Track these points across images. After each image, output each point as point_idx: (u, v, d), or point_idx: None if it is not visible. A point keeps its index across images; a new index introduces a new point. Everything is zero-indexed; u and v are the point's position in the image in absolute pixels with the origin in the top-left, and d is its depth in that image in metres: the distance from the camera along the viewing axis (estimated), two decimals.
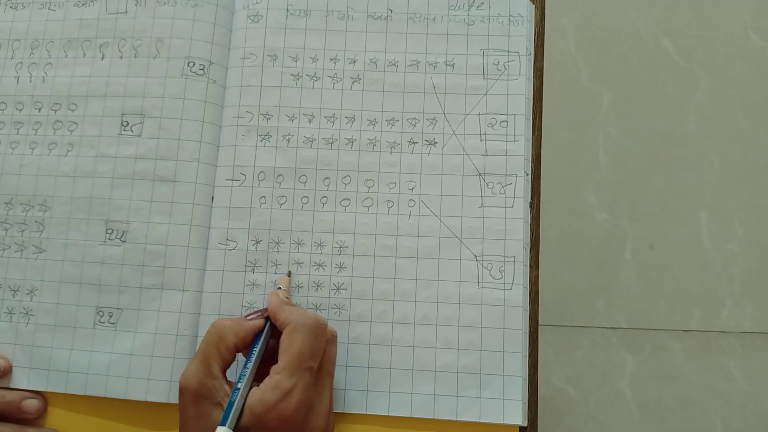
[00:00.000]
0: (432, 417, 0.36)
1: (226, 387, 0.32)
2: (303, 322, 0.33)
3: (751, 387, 0.90)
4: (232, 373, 0.35)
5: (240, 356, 0.36)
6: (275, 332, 0.35)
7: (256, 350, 0.34)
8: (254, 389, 0.32)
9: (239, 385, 0.32)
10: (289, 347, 0.32)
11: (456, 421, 0.36)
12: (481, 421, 0.36)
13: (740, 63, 0.99)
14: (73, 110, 0.40)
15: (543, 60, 0.41)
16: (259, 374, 0.33)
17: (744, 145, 0.97)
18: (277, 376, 0.31)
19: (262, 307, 0.37)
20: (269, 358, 0.34)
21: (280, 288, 0.37)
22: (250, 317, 0.35)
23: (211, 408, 0.31)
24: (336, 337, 0.35)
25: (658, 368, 0.91)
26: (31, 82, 0.41)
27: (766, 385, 0.90)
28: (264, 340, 0.34)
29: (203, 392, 0.32)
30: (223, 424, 0.30)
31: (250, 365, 0.33)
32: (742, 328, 0.92)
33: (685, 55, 1.00)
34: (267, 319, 0.35)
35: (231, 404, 0.31)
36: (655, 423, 0.89)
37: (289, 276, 0.38)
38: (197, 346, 0.37)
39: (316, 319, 0.33)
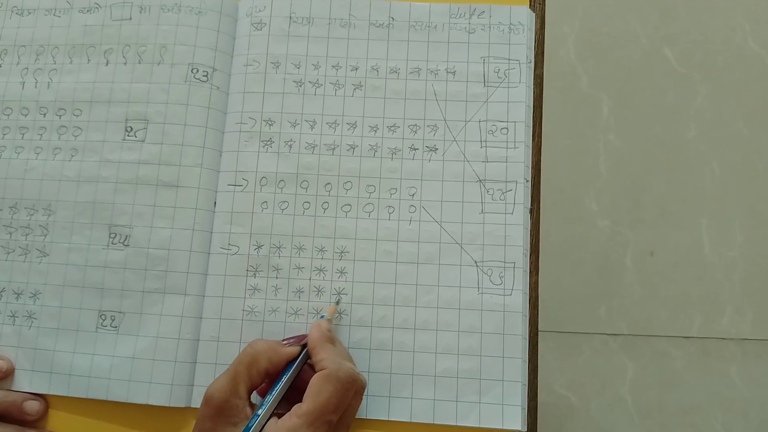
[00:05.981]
0: (432, 422, 0.36)
1: (248, 410, 0.32)
2: (336, 375, 0.32)
3: (752, 393, 0.90)
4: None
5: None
6: (308, 360, 0.35)
7: (284, 379, 0.33)
8: (271, 422, 0.31)
9: (260, 411, 0.32)
10: (316, 395, 0.31)
11: (456, 426, 0.36)
12: (481, 426, 0.36)
13: (739, 70, 1.00)
14: (77, 116, 0.41)
15: (543, 67, 0.42)
16: (285, 397, 0.33)
17: (744, 151, 0.97)
18: (296, 419, 0.31)
19: (299, 333, 0.36)
20: (298, 384, 0.34)
21: (324, 317, 0.37)
22: (287, 342, 0.35)
23: (228, 428, 0.32)
24: (364, 388, 0.34)
25: (659, 374, 0.91)
26: (36, 87, 0.41)
27: (767, 392, 0.90)
28: (294, 371, 0.34)
29: (226, 410, 0.32)
30: None
31: (275, 393, 0.33)
32: (742, 334, 0.92)
33: (685, 62, 1.00)
34: (303, 347, 0.35)
35: (248, 429, 0.31)
36: (656, 429, 0.89)
37: (337, 304, 0.37)
38: (199, 351, 0.37)
39: (350, 373, 0.32)
